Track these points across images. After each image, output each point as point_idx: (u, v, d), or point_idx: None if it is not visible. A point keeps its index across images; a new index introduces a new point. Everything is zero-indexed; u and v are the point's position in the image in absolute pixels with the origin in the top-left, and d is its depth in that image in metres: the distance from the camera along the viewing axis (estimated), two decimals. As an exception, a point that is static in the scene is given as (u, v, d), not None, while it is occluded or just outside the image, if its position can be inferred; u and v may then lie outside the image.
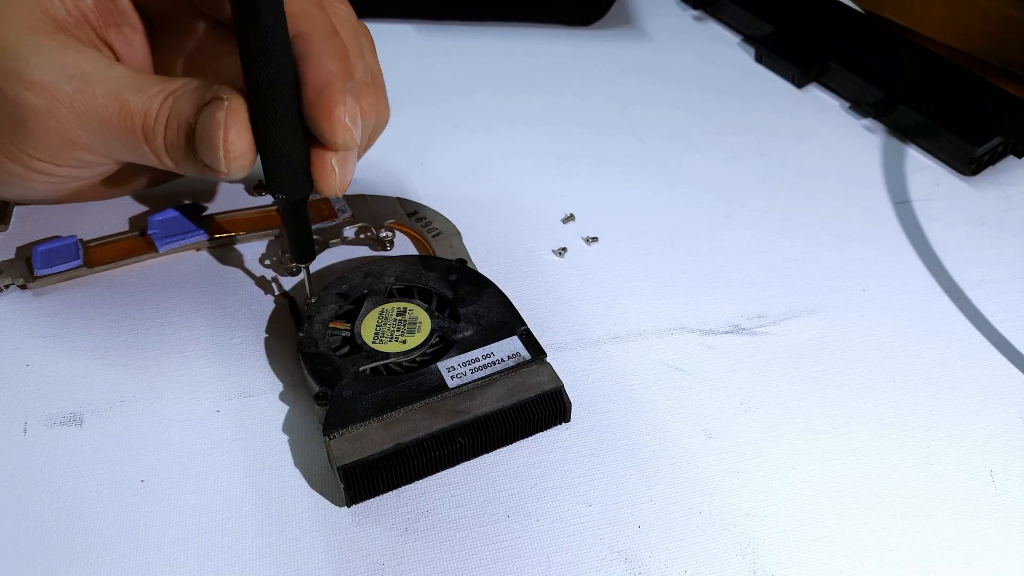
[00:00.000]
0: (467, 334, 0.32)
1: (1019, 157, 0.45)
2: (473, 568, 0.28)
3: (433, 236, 0.39)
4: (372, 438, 0.29)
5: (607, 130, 0.47)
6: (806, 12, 0.54)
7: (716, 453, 0.31)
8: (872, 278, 0.39)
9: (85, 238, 0.37)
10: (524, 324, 0.33)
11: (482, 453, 0.31)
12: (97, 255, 0.37)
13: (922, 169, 0.45)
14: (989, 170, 0.45)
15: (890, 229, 0.41)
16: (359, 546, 0.28)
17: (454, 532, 0.29)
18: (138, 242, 0.37)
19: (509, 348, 0.32)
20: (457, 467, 0.30)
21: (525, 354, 0.31)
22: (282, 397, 0.32)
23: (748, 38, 0.55)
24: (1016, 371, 0.34)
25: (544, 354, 0.32)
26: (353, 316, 0.33)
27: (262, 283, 0.37)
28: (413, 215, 0.40)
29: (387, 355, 0.31)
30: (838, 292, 0.38)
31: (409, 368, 0.31)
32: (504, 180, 0.43)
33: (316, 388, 0.30)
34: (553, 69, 0.52)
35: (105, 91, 0.29)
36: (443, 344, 0.32)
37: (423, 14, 0.55)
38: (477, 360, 0.31)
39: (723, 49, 0.54)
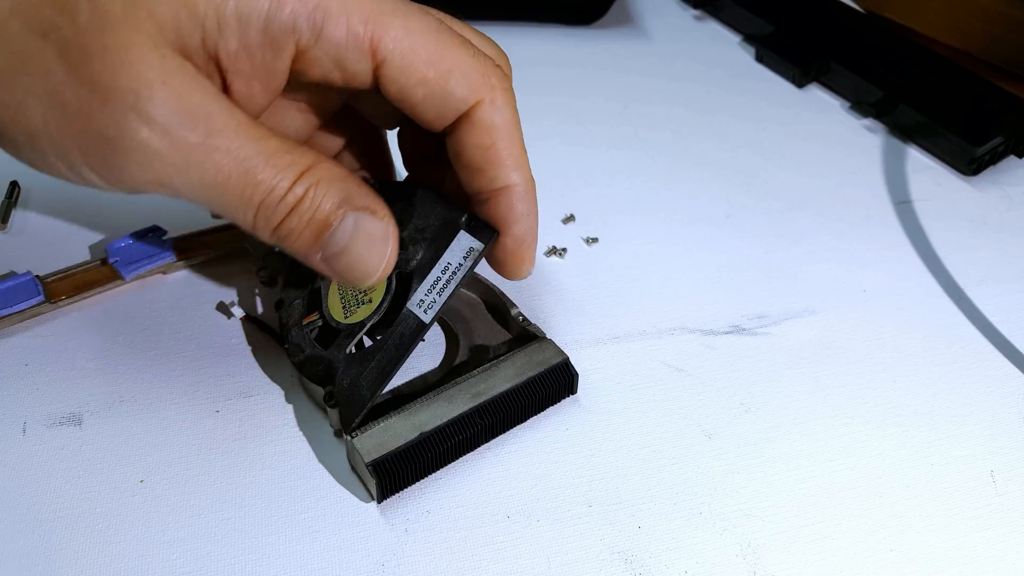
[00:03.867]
0: (419, 257, 0.30)
1: (1020, 157, 0.45)
2: (473, 568, 0.28)
3: None
4: (395, 431, 0.29)
5: (607, 130, 0.47)
6: (806, 12, 0.54)
7: (716, 453, 0.31)
8: (872, 278, 0.38)
9: (42, 273, 0.35)
10: (464, 211, 0.30)
11: (500, 433, 0.31)
12: (58, 289, 0.35)
13: (923, 169, 0.45)
14: (990, 170, 0.45)
15: (890, 229, 0.41)
16: (359, 546, 0.28)
17: (454, 532, 0.29)
18: (101, 271, 0.36)
19: (460, 248, 0.29)
20: (457, 468, 0.30)
21: (477, 244, 0.29)
22: (284, 398, 0.32)
23: (748, 38, 0.55)
24: (1016, 371, 0.34)
25: (496, 232, 0.29)
26: (318, 302, 0.32)
27: (246, 294, 0.37)
28: None
29: (363, 324, 0.31)
30: (838, 292, 0.38)
31: (388, 320, 0.30)
32: (504, 180, 0.43)
33: (322, 391, 0.30)
34: (553, 69, 0.52)
35: (230, 150, 0.25)
36: (404, 281, 0.30)
37: (423, 14, 0.55)
38: (438, 280, 0.30)
39: (723, 49, 0.54)
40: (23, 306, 0.34)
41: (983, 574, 0.28)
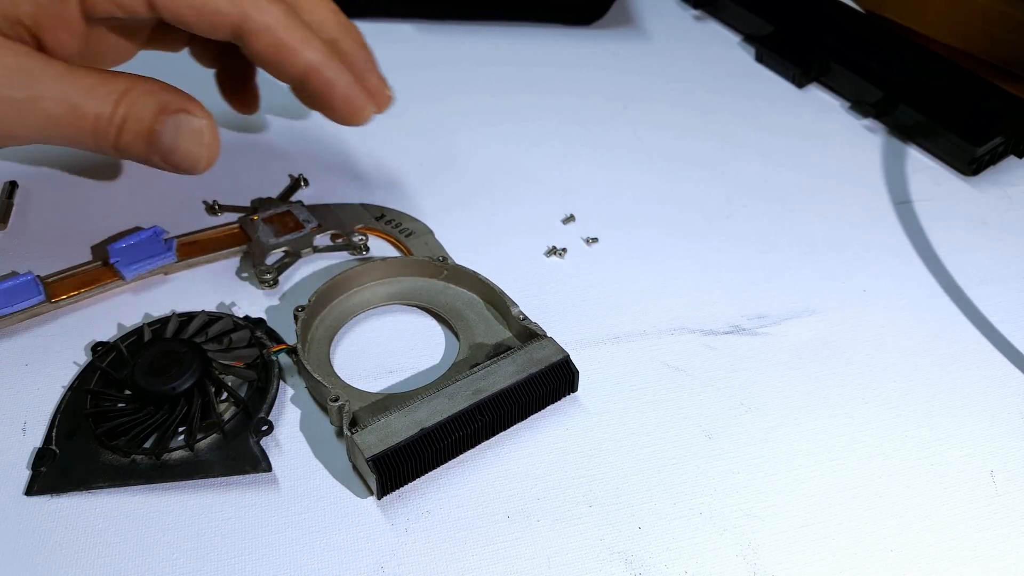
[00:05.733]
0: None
1: (1020, 157, 0.45)
2: (473, 569, 0.28)
3: (406, 236, 0.39)
4: (396, 427, 0.29)
5: (607, 130, 0.47)
6: (806, 12, 0.54)
7: (716, 453, 0.31)
8: (872, 278, 0.38)
9: (42, 273, 0.35)
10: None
11: (500, 431, 0.31)
12: (58, 289, 0.35)
13: (922, 169, 0.45)
14: (990, 170, 0.45)
15: (890, 229, 0.41)
16: (359, 546, 0.28)
17: (454, 532, 0.29)
18: (102, 272, 0.36)
19: None
20: (457, 468, 0.30)
21: None
22: (285, 398, 0.32)
23: (748, 38, 0.55)
24: (1016, 371, 0.34)
25: None
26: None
27: (247, 295, 0.37)
28: (381, 218, 0.40)
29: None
30: (838, 292, 0.38)
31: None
32: (504, 181, 0.43)
33: (324, 391, 0.31)
34: (553, 69, 0.52)
35: (53, 95, 0.29)
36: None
37: (423, 14, 0.55)
38: None
39: (723, 49, 0.54)
40: (24, 305, 0.34)
41: (983, 574, 0.28)
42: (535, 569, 0.28)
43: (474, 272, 0.35)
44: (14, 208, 0.40)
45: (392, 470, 0.29)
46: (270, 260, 0.37)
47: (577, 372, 0.32)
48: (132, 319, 0.35)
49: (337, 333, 0.35)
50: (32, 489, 0.29)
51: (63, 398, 0.32)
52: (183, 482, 0.29)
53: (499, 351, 0.33)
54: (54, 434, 0.30)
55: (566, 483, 0.30)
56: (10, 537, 0.28)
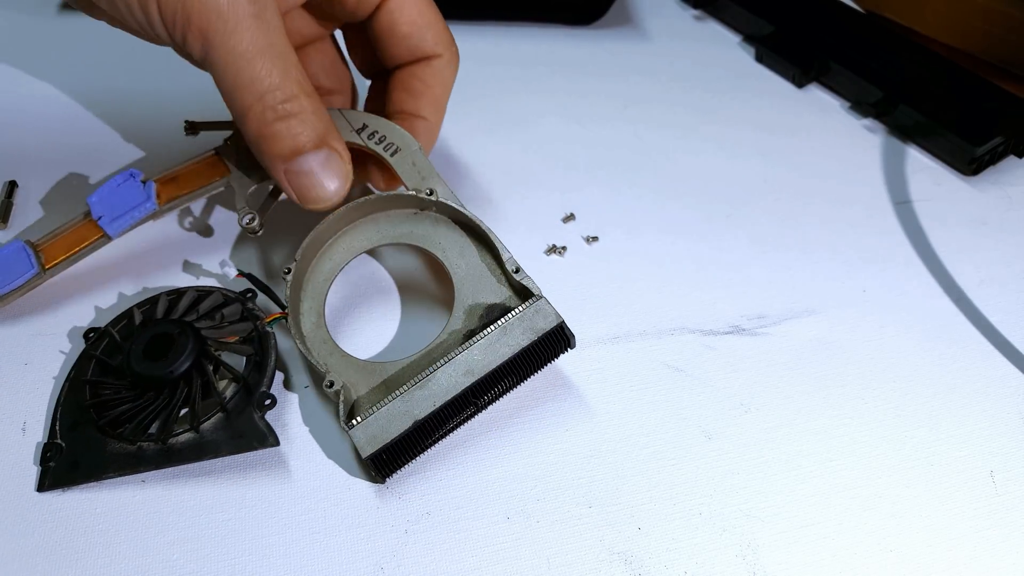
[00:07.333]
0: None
1: (1019, 157, 0.45)
2: (473, 569, 0.28)
3: (391, 154, 0.35)
4: (390, 417, 0.29)
5: (607, 130, 0.47)
6: (806, 12, 0.54)
7: (716, 454, 0.31)
8: (872, 278, 0.38)
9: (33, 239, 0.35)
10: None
11: (496, 399, 0.31)
12: (50, 252, 0.34)
13: (922, 169, 0.45)
14: (990, 170, 0.45)
15: (890, 229, 0.41)
16: (359, 548, 0.28)
17: (454, 534, 0.29)
18: (87, 227, 0.34)
19: None
20: (457, 468, 0.30)
21: None
22: (284, 398, 0.32)
23: (748, 38, 0.55)
24: (1016, 371, 0.34)
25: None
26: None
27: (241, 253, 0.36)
28: (362, 129, 0.35)
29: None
30: (838, 292, 0.38)
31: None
32: (504, 180, 0.43)
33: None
34: (553, 69, 0.52)
35: (267, 32, 0.30)
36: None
37: (423, 13, 0.55)
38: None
39: (723, 49, 0.54)
40: (19, 282, 0.33)
41: (983, 574, 0.28)
42: (535, 570, 0.28)
43: (462, 209, 0.34)
44: (14, 207, 0.40)
45: (389, 463, 0.29)
46: (251, 191, 0.35)
47: (572, 335, 0.32)
48: (110, 300, 0.35)
49: (328, 290, 0.33)
50: (43, 485, 0.29)
51: (61, 390, 0.32)
52: (187, 482, 0.29)
53: (492, 313, 0.32)
54: (57, 428, 0.30)
55: (566, 484, 0.30)
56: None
